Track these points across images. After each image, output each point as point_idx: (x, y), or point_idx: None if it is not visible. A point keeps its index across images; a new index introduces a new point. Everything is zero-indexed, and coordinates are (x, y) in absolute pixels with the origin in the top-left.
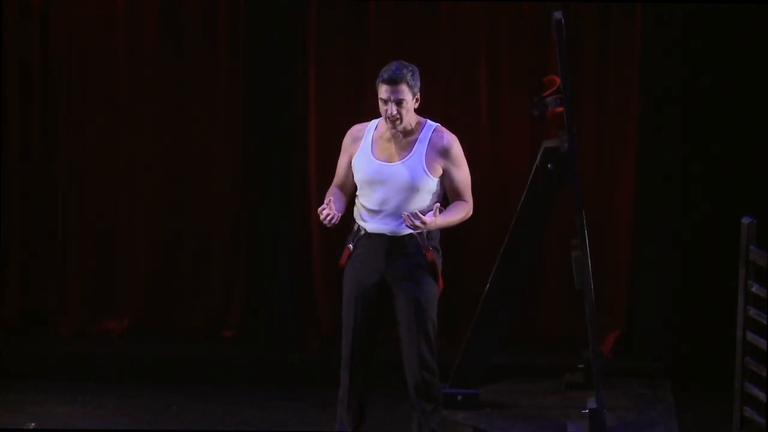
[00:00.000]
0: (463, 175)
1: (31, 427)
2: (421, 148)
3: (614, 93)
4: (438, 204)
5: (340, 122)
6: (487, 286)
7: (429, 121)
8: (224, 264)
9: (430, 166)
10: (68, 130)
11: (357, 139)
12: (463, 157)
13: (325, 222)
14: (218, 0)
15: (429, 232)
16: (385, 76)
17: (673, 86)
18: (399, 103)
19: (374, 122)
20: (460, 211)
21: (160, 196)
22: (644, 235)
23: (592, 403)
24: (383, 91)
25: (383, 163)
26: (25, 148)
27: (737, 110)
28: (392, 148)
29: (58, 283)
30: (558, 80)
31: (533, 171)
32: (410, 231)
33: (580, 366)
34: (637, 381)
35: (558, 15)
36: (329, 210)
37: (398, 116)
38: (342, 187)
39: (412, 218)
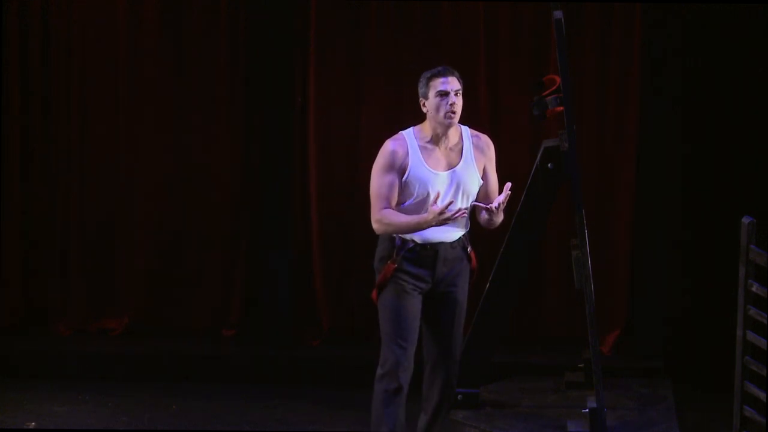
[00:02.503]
0: (495, 175)
1: (31, 426)
2: (468, 153)
3: (614, 93)
4: (509, 184)
5: (341, 122)
6: (487, 286)
7: (461, 125)
8: (224, 263)
9: (479, 168)
10: (69, 129)
11: (404, 155)
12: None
13: (454, 216)
14: (219, 0)
15: (468, 234)
16: (441, 69)
17: (673, 86)
18: (457, 93)
19: (407, 135)
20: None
21: (160, 195)
22: (644, 235)
23: (592, 403)
24: (440, 83)
25: (439, 172)
26: (25, 148)
27: (737, 110)
28: (442, 156)
29: (58, 281)
30: (558, 80)
31: (533, 170)
32: (459, 236)
33: (580, 365)
34: (637, 380)
35: (558, 15)
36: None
37: (455, 107)
38: (394, 206)
39: (496, 205)
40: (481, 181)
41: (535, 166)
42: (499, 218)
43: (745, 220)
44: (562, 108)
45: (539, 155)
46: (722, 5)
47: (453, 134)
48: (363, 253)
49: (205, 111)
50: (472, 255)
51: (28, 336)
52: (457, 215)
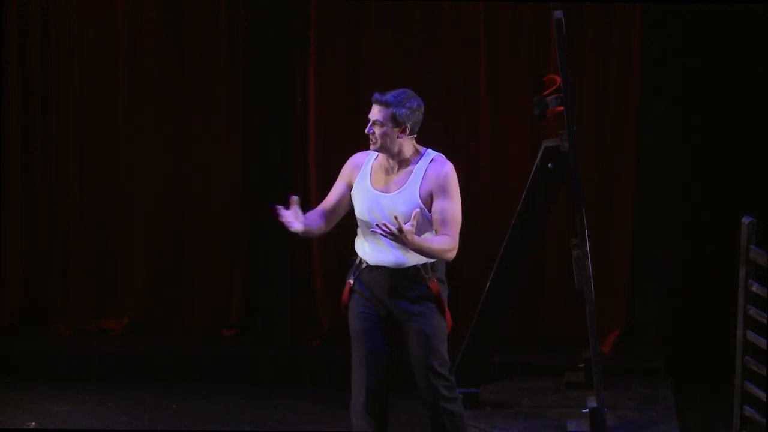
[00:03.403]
0: (451, 207)
1: (31, 426)
2: (416, 178)
3: (614, 93)
4: (417, 210)
5: (340, 122)
6: (488, 285)
7: (430, 150)
8: (224, 263)
9: (424, 197)
10: (68, 129)
11: (357, 167)
12: (457, 192)
13: (286, 224)
14: (219, 0)
15: (433, 264)
16: (374, 94)
17: (673, 86)
18: (374, 123)
19: (372, 151)
20: (441, 242)
21: (160, 195)
22: (644, 235)
23: (592, 402)
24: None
25: (379, 192)
26: (25, 148)
27: (737, 110)
28: (389, 178)
29: (58, 281)
30: (558, 79)
31: (534, 170)
32: (414, 263)
33: (580, 365)
34: (637, 380)
35: (558, 14)
36: (290, 217)
37: (373, 135)
38: (327, 211)
39: (382, 226)
40: (424, 208)
41: (535, 166)
42: (405, 242)
43: (745, 220)
44: (562, 108)
45: (539, 155)
46: (722, 5)
47: (408, 159)
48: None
49: (205, 111)
50: (433, 286)
51: (28, 336)
52: (376, 231)
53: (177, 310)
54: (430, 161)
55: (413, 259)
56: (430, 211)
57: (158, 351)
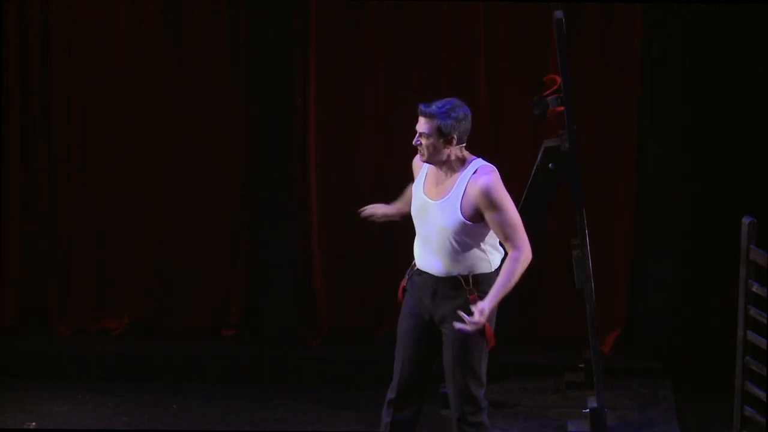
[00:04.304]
0: (503, 217)
1: (31, 426)
2: (459, 189)
3: (614, 93)
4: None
5: (341, 122)
6: None
7: (477, 160)
8: (224, 263)
9: (465, 209)
10: (68, 129)
11: (418, 166)
12: (503, 198)
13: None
14: (219, 0)
15: (476, 276)
16: (419, 106)
17: (673, 86)
18: (421, 135)
19: None
20: (508, 271)
21: (160, 195)
22: (644, 234)
23: (592, 403)
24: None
25: (427, 198)
26: (25, 148)
27: (737, 110)
28: (438, 185)
29: (58, 281)
30: (558, 79)
31: (534, 170)
32: (456, 273)
33: (580, 365)
34: (637, 380)
35: (558, 15)
36: (370, 210)
37: (421, 147)
38: (405, 204)
39: (464, 323)
40: (468, 222)
41: (535, 166)
42: (480, 322)
43: (745, 220)
44: (562, 108)
45: (539, 155)
46: (722, 5)
47: (454, 167)
48: (363, 253)
49: (205, 111)
50: (472, 299)
51: (28, 336)
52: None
53: (177, 310)
54: (474, 173)
55: (455, 269)
56: (471, 221)
57: (158, 351)
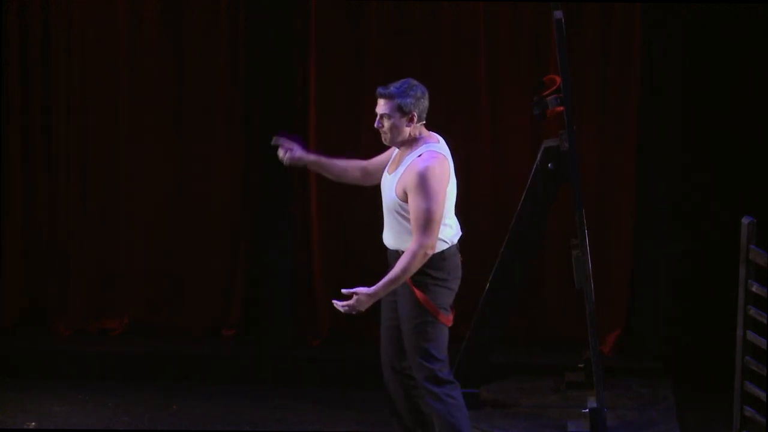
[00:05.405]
0: (418, 205)
1: (31, 426)
2: (402, 168)
3: (614, 93)
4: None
5: (341, 122)
6: (487, 285)
7: (429, 144)
8: (224, 263)
9: (399, 188)
10: (68, 129)
11: (390, 150)
12: (430, 188)
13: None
14: (219, 0)
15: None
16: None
17: (673, 86)
18: (382, 117)
19: None
20: (401, 263)
21: (160, 194)
22: (644, 234)
23: (592, 403)
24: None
25: (386, 173)
26: (25, 148)
27: (737, 110)
28: (396, 161)
29: (58, 281)
30: (558, 79)
31: (533, 170)
32: (397, 248)
33: (580, 365)
34: (637, 380)
35: (558, 15)
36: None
37: (382, 129)
38: (367, 166)
39: (338, 305)
40: (401, 202)
41: (535, 166)
42: (366, 302)
43: (745, 220)
44: (562, 108)
45: (539, 155)
46: (722, 5)
47: (411, 146)
48: (363, 253)
49: (205, 111)
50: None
51: (28, 336)
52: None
53: (177, 310)
54: (419, 156)
55: (396, 243)
56: (403, 201)
57: (158, 351)
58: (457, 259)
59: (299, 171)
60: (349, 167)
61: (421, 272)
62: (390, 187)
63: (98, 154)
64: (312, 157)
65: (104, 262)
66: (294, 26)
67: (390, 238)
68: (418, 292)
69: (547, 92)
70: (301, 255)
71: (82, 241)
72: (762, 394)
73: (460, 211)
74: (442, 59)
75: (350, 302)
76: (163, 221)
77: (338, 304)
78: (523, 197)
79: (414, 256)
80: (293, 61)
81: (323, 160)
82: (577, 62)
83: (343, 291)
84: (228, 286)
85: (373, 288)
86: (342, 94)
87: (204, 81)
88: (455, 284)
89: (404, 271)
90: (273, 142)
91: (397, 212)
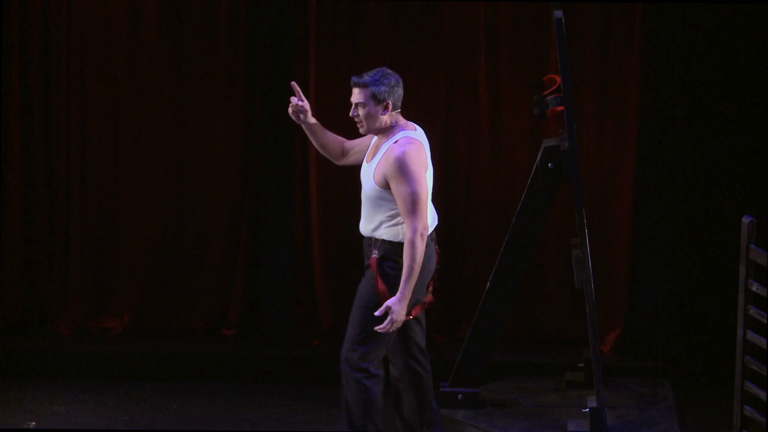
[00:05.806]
0: (402, 190)
1: (31, 426)
2: (379, 155)
3: (614, 93)
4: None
5: (340, 122)
6: (488, 285)
7: (404, 130)
8: (224, 262)
9: (377, 175)
10: (68, 128)
11: (368, 140)
12: (411, 173)
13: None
14: (219, 0)
15: (382, 241)
16: (351, 78)
17: (673, 86)
18: (356, 106)
19: None
20: (407, 258)
21: (160, 194)
22: (644, 234)
23: (592, 402)
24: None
25: (365, 162)
26: (25, 147)
27: (737, 110)
28: (373, 149)
29: (58, 280)
30: (558, 79)
31: (534, 170)
32: (368, 235)
33: (580, 365)
34: (637, 380)
35: (558, 14)
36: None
37: (358, 118)
38: (347, 145)
39: (381, 329)
40: (380, 189)
41: (535, 166)
42: (403, 308)
43: (745, 220)
44: (562, 108)
45: (539, 155)
46: (722, 5)
47: (387, 133)
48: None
49: (205, 111)
50: (371, 261)
51: (28, 335)
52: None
53: (177, 310)
54: (395, 142)
55: (369, 231)
56: (381, 187)
57: (158, 351)
58: (431, 250)
59: (300, 171)
60: (335, 142)
61: (390, 258)
62: (368, 175)
63: (98, 154)
64: (313, 120)
65: (104, 262)
66: (294, 26)
67: (365, 225)
68: (380, 284)
69: (547, 92)
70: (301, 255)
71: (82, 241)
72: (762, 394)
73: (460, 211)
74: (442, 59)
75: (388, 320)
76: (162, 221)
77: (381, 329)
78: (523, 197)
79: (413, 244)
80: (293, 61)
81: (320, 127)
82: (577, 62)
83: (377, 314)
84: (227, 285)
85: (397, 295)
86: (342, 93)
87: (204, 81)
88: (426, 274)
89: (413, 262)
90: (290, 86)
91: (377, 199)
